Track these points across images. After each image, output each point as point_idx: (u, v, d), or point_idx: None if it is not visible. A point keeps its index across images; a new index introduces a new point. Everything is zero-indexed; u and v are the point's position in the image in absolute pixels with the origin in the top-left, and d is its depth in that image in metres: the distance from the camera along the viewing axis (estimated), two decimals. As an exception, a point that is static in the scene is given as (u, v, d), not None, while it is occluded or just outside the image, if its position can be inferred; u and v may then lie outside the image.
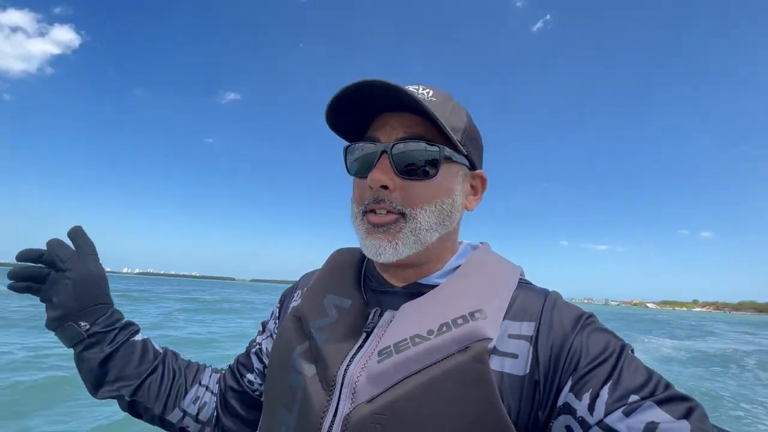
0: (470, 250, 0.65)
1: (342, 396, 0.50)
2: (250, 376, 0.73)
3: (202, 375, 0.75)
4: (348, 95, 0.53)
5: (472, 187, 0.63)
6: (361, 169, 0.58)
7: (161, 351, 0.74)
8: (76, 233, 0.68)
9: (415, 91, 0.55)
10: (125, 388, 0.67)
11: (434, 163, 0.54)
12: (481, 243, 0.67)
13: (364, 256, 0.68)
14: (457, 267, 0.60)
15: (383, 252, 0.55)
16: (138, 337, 0.72)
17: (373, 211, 0.56)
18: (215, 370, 0.78)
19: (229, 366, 0.77)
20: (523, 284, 0.59)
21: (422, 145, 0.54)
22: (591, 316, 0.53)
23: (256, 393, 0.72)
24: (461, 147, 0.56)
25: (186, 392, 0.72)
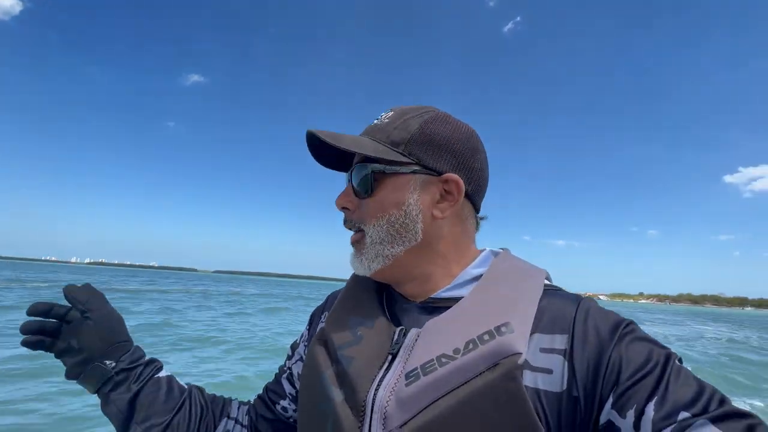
0: (491, 257, 0.63)
1: (373, 422, 0.49)
2: (283, 403, 0.72)
3: (229, 408, 0.74)
4: (312, 145, 0.61)
5: (448, 192, 0.59)
6: None
7: (186, 387, 0.72)
8: (81, 290, 0.66)
9: (379, 119, 0.61)
10: (156, 428, 0.65)
11: (367, 182, 0.58)
12: (502, 249, 0.65)
13: None
14: (478, 276, 0.59)
15: (356, 266, 0.61)
16: (162, 374, 0.70)
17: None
18: (243, 403, 0.77)
19: (258, 396, 0.76)
20: (551, 291, 0.56)
21: (357, 166, 0.59)
22: (630, 323, 0.50)
23: (291, 419, 0.72)
24: (400, 158, 0.57)
25: (215, 427, 0.71)
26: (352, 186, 0.60)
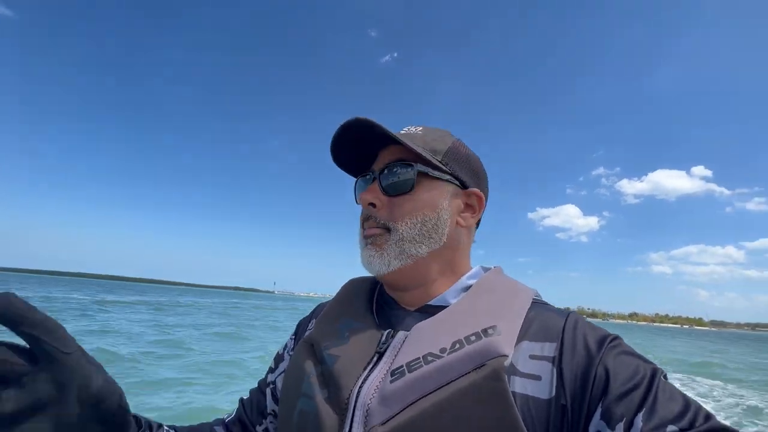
0: (482, 272, 0.65)
1: (355, 419, 0.49)
2: (264, 423, 0.68)
3: None
4: (340, 137, 0.61)
5: (468, 205, 0.64)
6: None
7: None
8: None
9: (407, 129, 0.64)
10: None
11: (411, 179, 0.59)
12: (494, 267, 0.67)
13: (376, 283, 0.70)
14: (469, 286, 0.61)
15: (372, 261, 0.59)
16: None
17: (366, 227, 0.62)
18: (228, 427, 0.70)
19: (226, 423, 0.70)
20: (539, 304, 0.58)
21: (400, 165, 0.60)
22: (617, 338, 0.51)
23: None
24: (440, 165, 0.60)
25: None
26: (380, 185, 0.61)
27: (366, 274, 0.64)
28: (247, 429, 0.69)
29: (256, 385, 0.74)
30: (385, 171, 0.61)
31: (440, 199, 0.60)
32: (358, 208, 0.66)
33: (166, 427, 0.61)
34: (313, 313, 0.74)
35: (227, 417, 0.72)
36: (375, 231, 0.60)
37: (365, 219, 0.62)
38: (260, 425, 0.69)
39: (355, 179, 0.68)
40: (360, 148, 0.64)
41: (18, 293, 0.38)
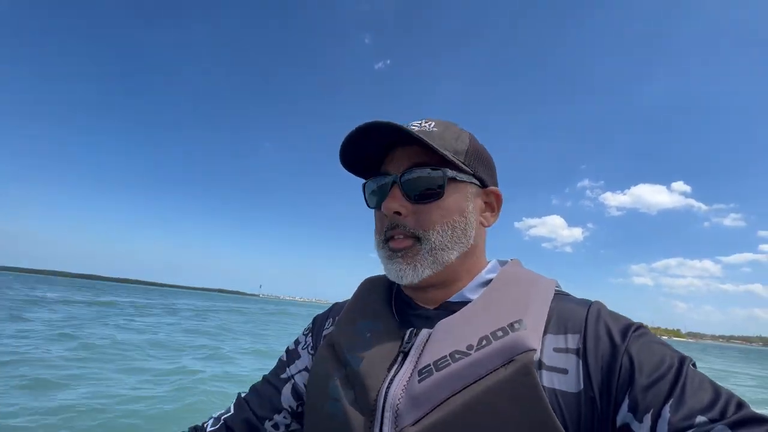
0: (499, 266, 0.64)
1: (385, 420, 0.48)
2: (277, 418, 0.65)
3: None
4: (354, 139, 0.57)
5: (487, 204, 0.63)
6: (378, 201, 0.60)
7: None
8: None
9: (418, 125, 0.59)
10: None
11: (440, 185, 0.56)
12: (512, 259, 0.66)
13: (393, 283, 0.67)
14: (488, 281, 0.59)
15: (404, 275, 0.56)
16: None
17: (392, 237, 0.58)
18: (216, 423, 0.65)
19: (226, 420, 0.65)
20: (561, 295, 0.57)
21: (426, 170, 0.56)
22: (641, 326, 0.49)
23: None
24: (465, 167, 0.58)
25: None
26: (403, 190, 0.57)
27: (380, 272, 0.63)
28: (252, 425, 0.65)
29: (261, 380, 0.71)
30: (408, 175, 0.57)
31: (466, 203, 0.59)
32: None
33: None
34: (330, 311, 0.72)
35: (222, 414, 0.67)
36: (406, 243, 0.57)
37: (391, 228, 0.58)
38: (270, 420, 0.66)
39: (365, 181, 0.64)
40: (368, 148, 0.60)
41: None
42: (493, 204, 0.63)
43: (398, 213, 0.57)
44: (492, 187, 0.63)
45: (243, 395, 0.69)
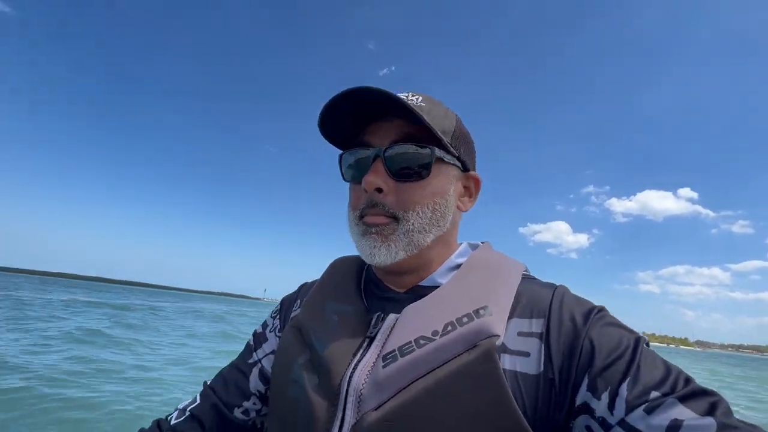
0: (470, 249, 0.63)
1: (348, 405, 0.47)
2: (246, 405, 0.63)
3: None
4: (337, 104, 0.53)
5: (466, 188, 0.62)
6: (356, 175, 0.57)
7: None
8: None
9: (404, 97, 0.55)
10: None
11: (426, 165, 0.54)
12: (482, 242, 0.65)
13: (363, 264, 0.67)
14: (458, 265, 0.59)
15: (377, 252, 0.54)
16: None
17: (367, 214, 0.55)
18: (161, 429, 0.61)
19: (191, 410, 0.62)
20: (528, 279, 0.57)
21: (413, 147, 0.54)
22: (602, 309, 0.50)
23: (251, 423, 0.64)
24: (451, 148, 0.56)
25: None
26: (386, 166, 0.54)
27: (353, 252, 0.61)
28: (221, 413, 0.62)
29: (229, 366, 0.68)
30: (392, 150, 0.54)
31: (448, 185, 0.57)
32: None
33: None
34: (299, 292, 0.71)
35: (188, 405, 0.64)
36: (381, 220, 0.54)
37: (369, 205, 0.55)
38: (239, 407, 0.63)
39: (342, 152, 0.60)
40: (351, 117, 0.56)
41: None
42: (471, 189, 0.62)
43: (379, 190, 0.53)
44: (473, 172, 0.62)
45: (209, 383, 0.66)
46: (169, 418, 0.63)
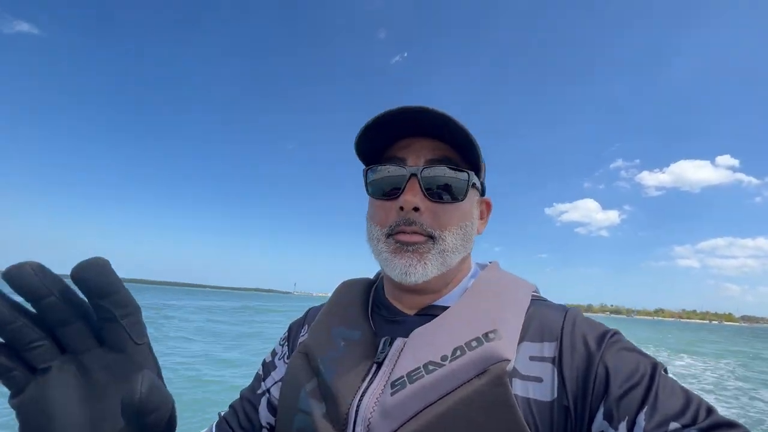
0: (479, 270, 0.64)
1: None
2: None
3: None
4: (389, 120, 0.53)
5: (480, 212, 0.64)
6: (387, 191, 0.57)
7: None
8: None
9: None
10: None
11: (463, 188, 0.56)
12: (490, 262, 0.66)
13: (371, 286, 0.67)
14: (467, 288, 0.59)
15: (412, 271, 0.54)
16: None
17: (402, 232, 0.55)
18: None
19: None
20: (538, 301, 0.56)
21: (451, 170, 0.55)
22: (616, 333, 0.50)
23: None
24: (481, 174, 0.59)
25: None
26: (422, 186, 0.54)
27: (361, 275, 0.63)
28: None
29: (239, 397, 0.67)
30: (430, 170, 0.54)
31: (474, 209, 0.60)
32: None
33: None
34: (306, 317, 0.70)
35: None
36: (419, 238, 0.54)
37: (406, 223, 0.54)
38: None
39: (369, 166, 0.59)
40: (388, 137, 0.57)
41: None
42: (484, 212, 0.64)
43: (416, 209, 0.54)
44: (486, 197, 0.64)
45: (223, 414, 0.66)
46: None
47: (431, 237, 0.55)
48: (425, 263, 0.54)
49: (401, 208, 0.54)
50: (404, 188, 0.55)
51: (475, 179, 0.57)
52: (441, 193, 0.55)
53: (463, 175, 0.56)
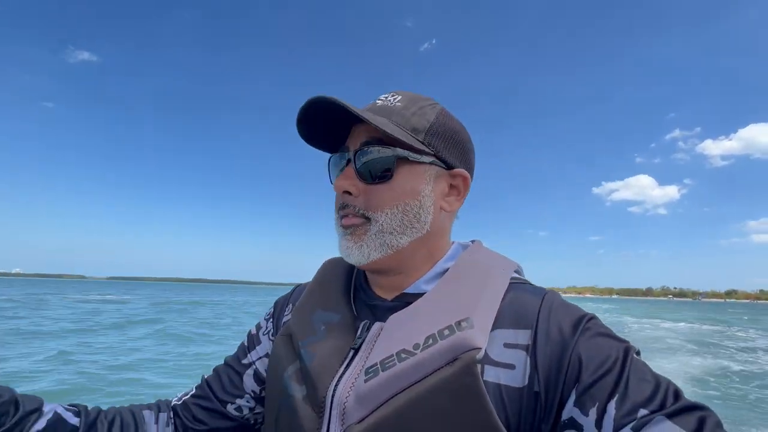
0: (460, 250, 0.63)
1: (332, 418, 0.50)
2: (239, 402, 0.67)
3: (144, 425, 0.63)
4: (313, 112, 0.56)
5: (453, 187, 0.60)
6: (334, 179, 0.60)
7: (80, 417, 0.57)
8: None
9: (384, 98, 0.58)
10: None
11: (389, 166, 0.55)
12: (473, 241, 0.65)
13: (353, 267, 0.68)
14: (446, 270, 0.59)
15: (351, 253, 0.56)
16: (45, 417, 0.54)
17: (344, 216, 0.58)
18: (159, 408, 0.66)
19: (193, 395, 0.68)
20: (517, 284, 0.56)
21: (376, 149, 0.55)
22: (592, 318, 0.50)
23: (245, 419, 0.67)
24: (422, 146, 0.56)
25: None
26: (356, 169, 0.56)
27: None
28: (214, 407, 0.66)
29: (224, 363, 0.72)
30: (360, 154, 0.56)
31: (423, 185, 0.57)
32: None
33: (63, 408, 0.57)
34: (291, 296, 0.73)
35: (185, 394, 0.69)
36: (354, 221, 0.57)
37: (342, 207, 0.58)
38: (232, 404, 0.67)
39: (330, 155, 0.63)
40: (332, 121, 0.58)
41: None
42: (459, 187, 0.60)
43: (348, 192, 0.56)
44: (458, 169, 0.59)
45: (206, 377, 0.70)
46: (169, 401, 0.69)
47: (367, 218, 0.55)
48: (362, 245, 0.55)
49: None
50: (339, 174, 0.58)
51: (405, 153, 0.54)
52: (370, 175, 0.55)
53: (387, 152, 0.54)
